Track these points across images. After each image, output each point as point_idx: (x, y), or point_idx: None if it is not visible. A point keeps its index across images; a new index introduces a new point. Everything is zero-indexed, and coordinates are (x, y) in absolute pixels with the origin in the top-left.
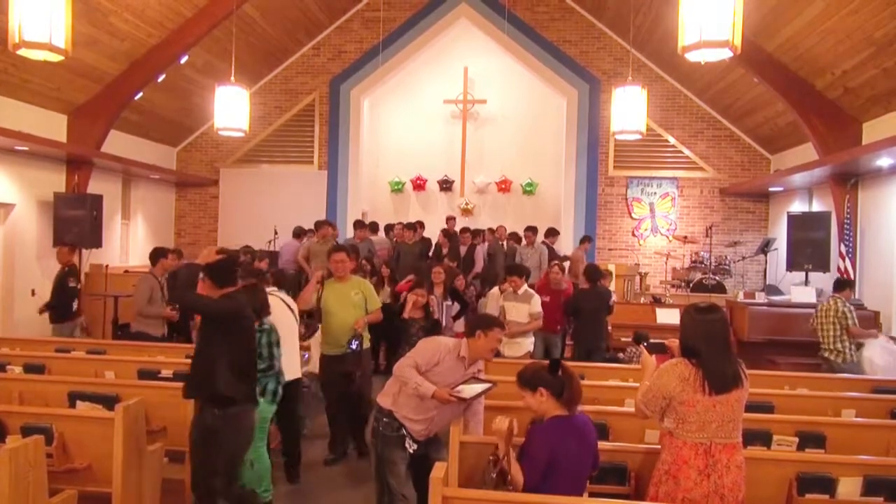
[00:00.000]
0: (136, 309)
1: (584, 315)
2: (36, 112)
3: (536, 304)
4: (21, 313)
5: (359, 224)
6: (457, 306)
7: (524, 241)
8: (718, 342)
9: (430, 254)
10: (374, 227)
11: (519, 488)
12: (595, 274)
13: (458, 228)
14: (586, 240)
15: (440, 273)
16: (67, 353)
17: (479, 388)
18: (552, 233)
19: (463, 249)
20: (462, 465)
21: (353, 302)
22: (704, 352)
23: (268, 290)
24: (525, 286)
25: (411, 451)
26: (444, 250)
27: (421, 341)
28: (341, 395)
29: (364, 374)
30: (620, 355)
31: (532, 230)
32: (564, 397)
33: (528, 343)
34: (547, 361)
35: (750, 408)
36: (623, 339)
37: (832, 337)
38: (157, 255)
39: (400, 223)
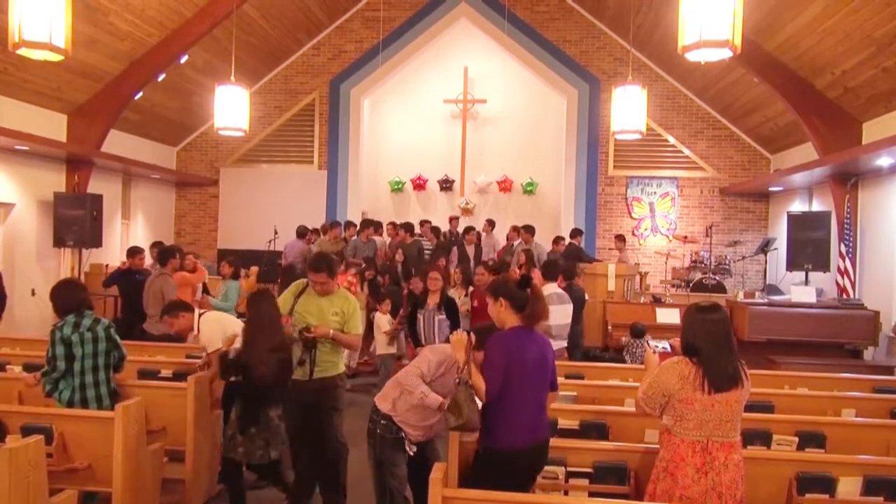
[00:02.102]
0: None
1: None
2: (36, 112)
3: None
4: (21, 313)
5: (366, 223)
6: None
7: (521, 241)
8: (719, 341)
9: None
10: (376, 227)
11: (482, 396)
12: (570, 273)
13: (461, 227)
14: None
15: (437, 279)
16: None
17: None
18: (577, 233)
19: (470, 250)
20: (462, 465)
21: (328, 321)
22: (705, 351)
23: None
24: (551, 285)
25: (411, 453)
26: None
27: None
28: (301, 429)
29: (330, 406)
30: (626, 357)
31: (531, 231)
32: (526, 312)
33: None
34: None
35: (750, 408)
36: (623, 339)
37: None
38: (166, 254)
39: (391, 223)
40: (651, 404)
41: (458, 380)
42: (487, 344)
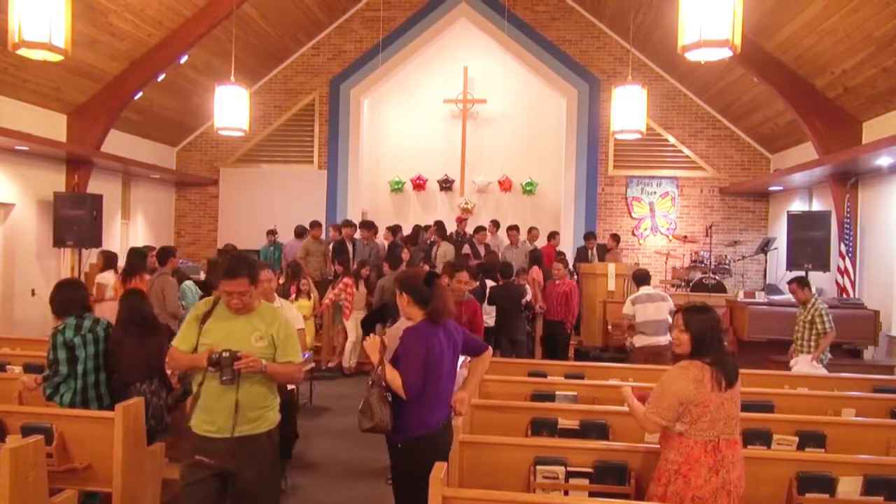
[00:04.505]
0: (171, 310)
1: (501, 309)
2: (36, 112)
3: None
4: (21, 313)
5: (366, 225)
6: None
7: (508, 241)
8: (721, 339)
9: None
10: (368, 227)
11: (400, 391)
12: (508, 271)
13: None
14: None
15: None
16: None
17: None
18: (588, 236)
19: (481, 249)
20: (462, 465)
21: (252, 348)
22: (716, 349)
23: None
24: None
25: None
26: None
27: None
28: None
29: (260, 477)
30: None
31: (515, 229)
32: (429, 308)
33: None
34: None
35: (750, 408)
36: (628, 343)
37: None
38: (166, 254)
39: (388, 227)
40: (667, 416)
41: (370, 381)
42: (404, 339)
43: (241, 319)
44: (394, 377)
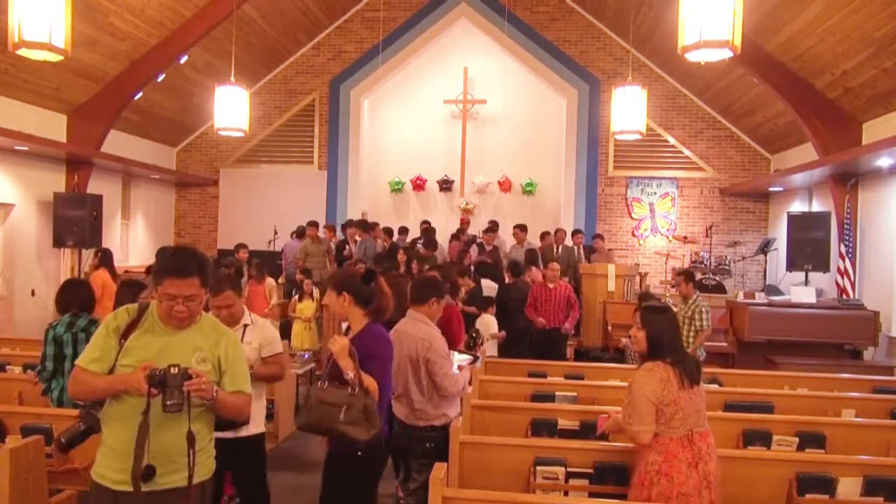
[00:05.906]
0: None
1: (510, 308)
2: (36, 112)
3: None
4: (21, 313)
5: (360, 223)
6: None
7: (514, 241)
8: (679, 338)
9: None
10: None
11: (376, 394)
12: (517, 269)
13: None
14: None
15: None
16: None
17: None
18: (574, 233)
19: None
20: (462, 465)
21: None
22: (675, 348)
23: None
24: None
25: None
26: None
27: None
28: None
29: None
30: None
31: (521, 228)
32: (371, 307)
33: None
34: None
35: (750, 408)
36: (623, 340)
37: None
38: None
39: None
40: (647, 420)
41: (355, 389)
42: (367, 342)
43: (178, 335)
44: (371, 382)
